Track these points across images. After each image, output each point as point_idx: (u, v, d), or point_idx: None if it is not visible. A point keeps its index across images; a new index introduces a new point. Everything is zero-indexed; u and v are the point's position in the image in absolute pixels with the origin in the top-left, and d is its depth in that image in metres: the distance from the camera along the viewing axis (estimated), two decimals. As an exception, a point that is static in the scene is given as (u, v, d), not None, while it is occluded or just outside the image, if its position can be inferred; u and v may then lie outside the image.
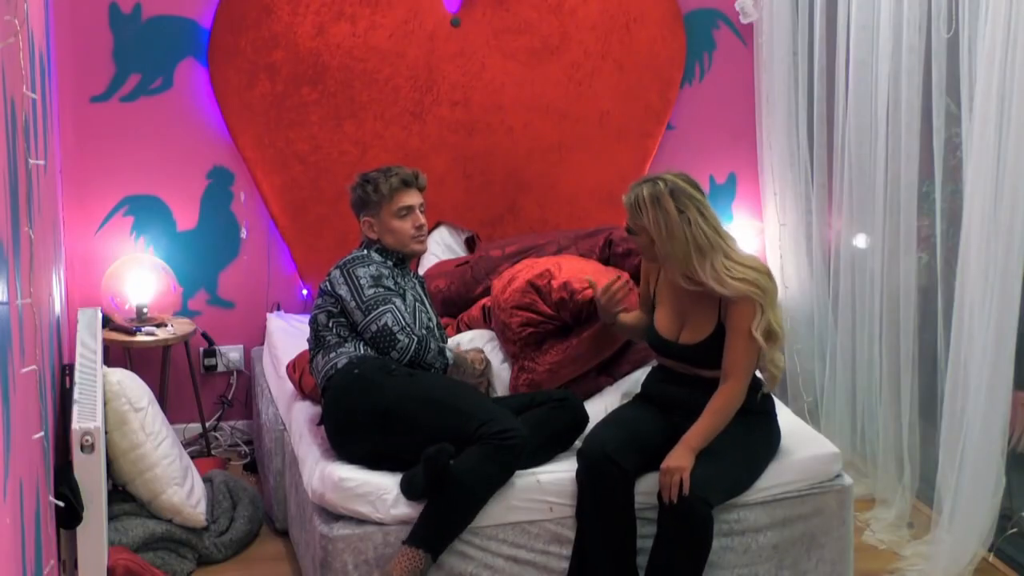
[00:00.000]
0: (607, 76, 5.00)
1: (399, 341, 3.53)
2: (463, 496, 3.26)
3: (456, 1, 4.87)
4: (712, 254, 3.34)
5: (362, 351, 3.56)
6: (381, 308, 3.55)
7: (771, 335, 3.36)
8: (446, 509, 3.25)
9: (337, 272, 3.63)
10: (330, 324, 3.60)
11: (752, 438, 3.45)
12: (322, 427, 3.59)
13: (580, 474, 3.37)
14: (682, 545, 3.27)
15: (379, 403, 3.41)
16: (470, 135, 4.92)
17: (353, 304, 3.56)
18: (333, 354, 3.57)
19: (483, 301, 4.17)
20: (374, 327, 3.54)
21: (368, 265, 3.61)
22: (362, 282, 3.57)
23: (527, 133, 4.97)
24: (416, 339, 3.56)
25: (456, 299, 4.33)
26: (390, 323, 3.54)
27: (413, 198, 3.69)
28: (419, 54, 4.81)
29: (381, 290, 3.57)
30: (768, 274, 3.39)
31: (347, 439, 3.46)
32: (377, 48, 4.77)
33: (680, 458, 3.28)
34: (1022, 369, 3.68)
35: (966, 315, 3.63)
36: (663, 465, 3.29)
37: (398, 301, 3.59)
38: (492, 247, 4.49)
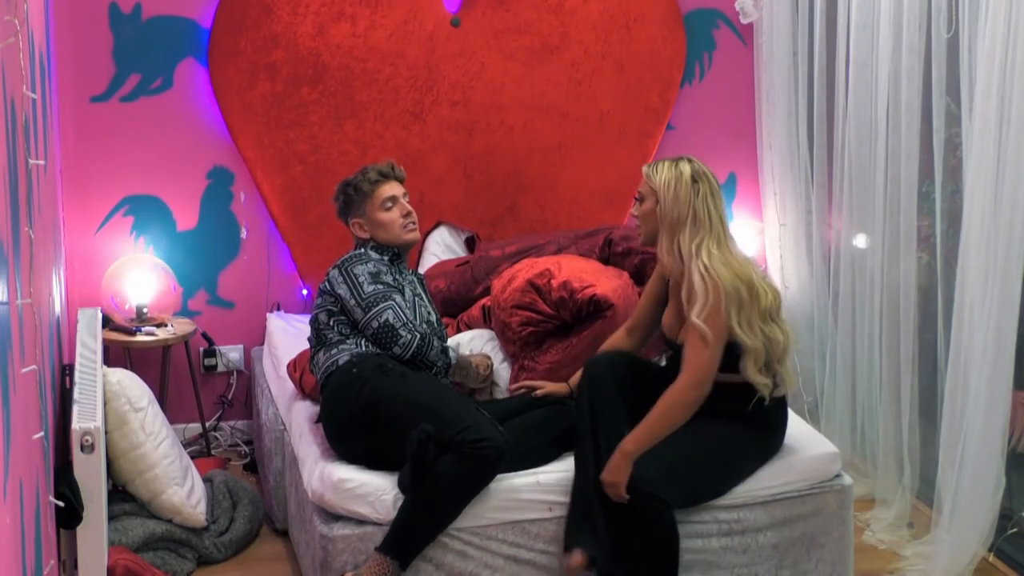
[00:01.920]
0: (607, 76, 5.00)
1: (401, 336, 3.53)
2: (433, 503, 3.24)
3: (456, 1, 4.87)
4: (705, 235, 3.34)
5: (364, 348, 3.56)
6: (382, 305, 3.55)
7: (745, 348, 3.30)
8: (416, 516, 3.23)
9: (335, 271, 3.63)
10: (331, 322, 3.60)
11: (736, 443, 3.41)
12: (320, 425, 3.60)
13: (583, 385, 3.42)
14: (644, 548, 3.23)
15: (366, 402, 3.40)
16: (470, 135, 4.92)
17: (353, 302, 3.56)
18: (335, 350, 3.57)
19: (483, 301, 4.17)
20: (375, 323, 3.54)
21: (366, 262, 3.62)
22: (360, 280, 3.57)
23: (527, 133, 4.97)
24: (419, 335, 3.56)
25: (456, 299, 4.33)
26: (391, 319, 3.54)
27: (395, 188, 3.71)
28: (419, 54, 4.81)
29: (380, 287, 3.57)
30: (749, 286, 3.31)
31: (342, 439, 3.47)
32: (377, 48, 4.77)
33: (615, 472, 3.22)
34: (1022, 369, 3.68)
35: (966, 315, 3.63)
36: (602, 477, 3.26)
37: (398, 297, 3.59)
38: (492, 247, 4.49)
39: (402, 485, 3.29)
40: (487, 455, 3.22)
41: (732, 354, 3.33)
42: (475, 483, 3.27)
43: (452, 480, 3.22)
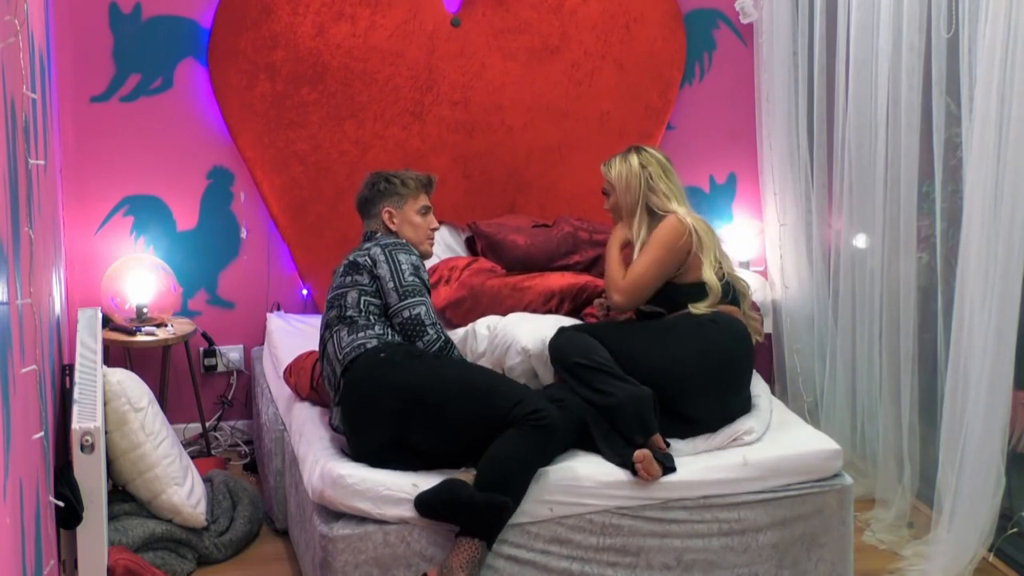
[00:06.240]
0: (607, 76, 5.00)
1: (427, 333, 3.55)
2: (506, 481, 3.27)
3: (456, 1, 4.87)
4: (670, 202, 3.76)
5: (390, 336, 3.55)
6: (417, 298, 3.57)
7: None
8: (493, 495, 3.25)
9: (378, 250, 3.62)
10: (361, 304, 3.57)
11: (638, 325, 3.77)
12: (329, 417, 3.58)
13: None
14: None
15: (406, 386, 3.39)
16: (470, 135, 4.92)
17: (391, 285, 3.57)
18: (363, 334, 3.53)
19: (574, 282, 4.22)
20: (407, 313, 3.55)
21: (410, 254, 3.65)
22: (403, 267, 3.59)
23: (527, 133, 4.97)
24: (444, 337, 3.58)
25: (538, 257, 4.43)
26: (423, 314, 3.56)
27: (429, 200, 3.81)
28: (419, 54, 4.81)
29: (419, 281, 3.61)
30: (706, 231, 3.72)
31: (364, 426, 3.42)
32: (377, 48, 4.77)
33: None
34: (1022, 369, 3.68)
35: (966, 315, 3.63)
36: None
37: (429, 298, 3.64)
38: (580, 228, 4.57)
39: (431, 511, 3.28)
40: (546, 424, 3.30)
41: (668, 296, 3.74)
42: (540, 454, 3.35)
43: (522, 457, 3.30)
